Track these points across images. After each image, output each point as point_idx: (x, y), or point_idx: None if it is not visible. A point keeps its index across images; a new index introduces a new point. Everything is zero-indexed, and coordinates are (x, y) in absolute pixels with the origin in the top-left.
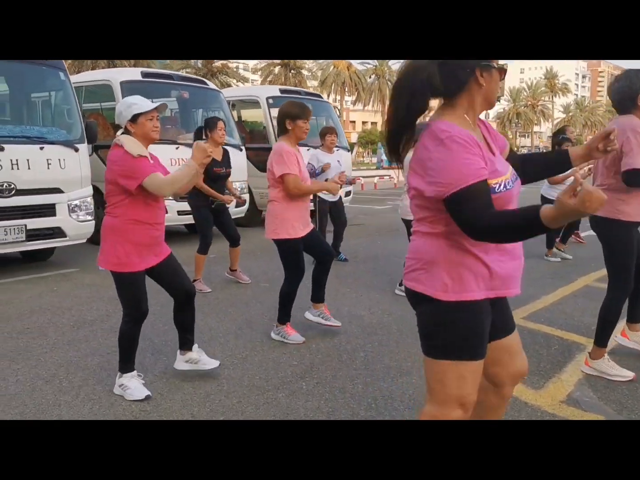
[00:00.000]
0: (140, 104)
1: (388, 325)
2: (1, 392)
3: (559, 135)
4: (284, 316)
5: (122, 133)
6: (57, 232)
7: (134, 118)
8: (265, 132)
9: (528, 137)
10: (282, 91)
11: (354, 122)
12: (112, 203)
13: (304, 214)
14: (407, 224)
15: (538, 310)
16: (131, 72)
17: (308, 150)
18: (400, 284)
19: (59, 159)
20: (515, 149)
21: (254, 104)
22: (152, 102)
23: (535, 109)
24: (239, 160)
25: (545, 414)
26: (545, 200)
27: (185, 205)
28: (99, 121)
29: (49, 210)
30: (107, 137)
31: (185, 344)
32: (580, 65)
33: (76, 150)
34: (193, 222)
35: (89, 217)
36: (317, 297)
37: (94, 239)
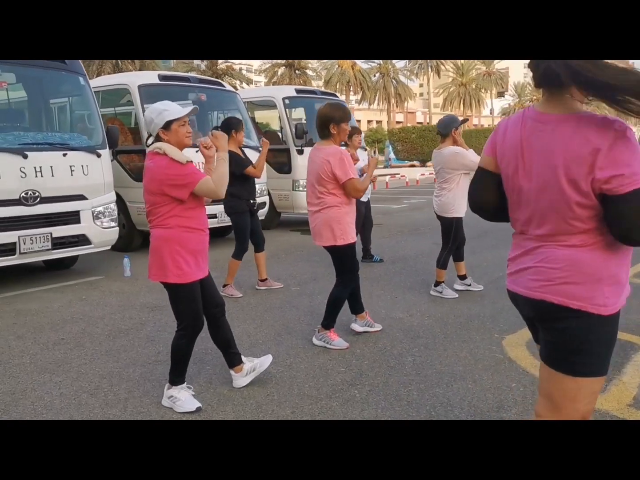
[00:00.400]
0: (172, 109)
1: (430, 328)
2: (47, 407)
3: None
4: (330, 322)
5: (154, 141)
6: (82, 240)
7: (167, 125)
8: (280, 134)
9: None
10: (298, 91)
11: (359, 121)
12: (161, 214)
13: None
14: (443, 221)
15: None
16: (149, 76)
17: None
18: (436, 285)
19: (82, 165)
20: None
21: (268, 105)
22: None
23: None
24: None
25: (615, 418)
26: None
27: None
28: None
29: (73, 217)
30: (124, 143)
31: (235, 360)
32: None
33: (98, 156)
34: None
35: (113, 224)
36: (357, 307)
37: (117, 246)
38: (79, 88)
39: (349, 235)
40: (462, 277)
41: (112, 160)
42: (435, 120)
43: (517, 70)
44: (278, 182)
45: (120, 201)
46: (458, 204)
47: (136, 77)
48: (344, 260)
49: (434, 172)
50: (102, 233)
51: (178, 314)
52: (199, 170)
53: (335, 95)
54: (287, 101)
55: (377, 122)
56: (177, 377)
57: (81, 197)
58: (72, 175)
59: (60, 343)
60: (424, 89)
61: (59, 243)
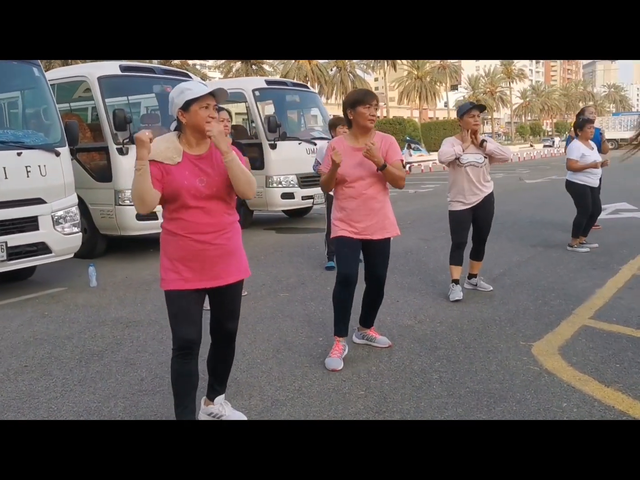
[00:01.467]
0: (194, 89)
1: (447, 337)
2: None
3: (580, 117)
4: (337, 328)
5: (176, 127)
6: (41, 248)
7: (186, 105)
8: (248, 127)
9: (488, 123)
10: (268, 82)
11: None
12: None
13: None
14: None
15: (602, 307)
16: (109, 67)
17: (300, 144)
18: (469, 277)
19: (39, 165)
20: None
21: (237, 97)
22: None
23: (494, 96)
24: None
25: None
26: (571, 184)
27: None
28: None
29: (30, 223)
30: (83, 140)
31: (211, 393)
32: None
33: (57, 154)
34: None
35: (76, 229)
36: (366, 318)
37: (79, 253)
38: (33, 80)
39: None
40: (471, 276)
41: (71, 159)
42: (392, 114)
43: (470, 64)
44: None
45: (81, 204)
46: (451, 199)
47: (96, 68)
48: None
49: None
50: (64, 240)
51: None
52: (156, 173)
53: (307, 87)
54: (257, 93)
55: (335, 116)
56: (176, 407)
57: (39, 201)
58: (28, 176)
59: (23, 372)
60: (379, 83)
61: (15, 253)
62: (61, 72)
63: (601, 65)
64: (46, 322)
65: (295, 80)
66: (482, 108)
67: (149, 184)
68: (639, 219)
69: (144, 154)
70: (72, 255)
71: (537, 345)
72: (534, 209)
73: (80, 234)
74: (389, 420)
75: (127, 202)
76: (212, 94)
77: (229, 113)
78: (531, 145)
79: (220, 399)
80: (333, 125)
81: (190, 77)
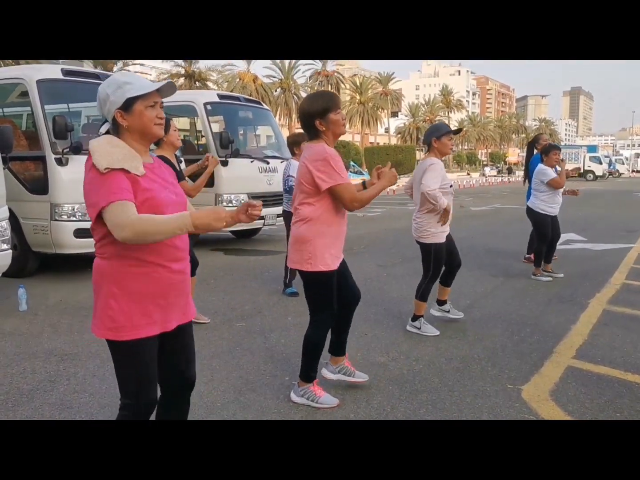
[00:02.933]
0: (136, 83)
1: (426, 378)
2: None
3: (538, 143)
4: (309, 371)
5: (107, 131)
6: None
7: (127, 105)
8: (197, 143)
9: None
10: (220, 97)
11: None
12: (99, 238)
13: (342, 239)
14: (421, 246)
15: (583, 345)
16: (50, 70)
17: (252, 162)
18: (413, 320)
19: None
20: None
21: (186, 111)
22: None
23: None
24: None
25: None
26: (532, 213)
27: None
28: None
29: None
30: (17, 148)
31: None
32: (471, 82)
33: None
34: None
35: (5, 246)
36: (337, 347)
37: (7, 272)
38: None
39: (320, 260)
40: (441, 303)
41: (3, 168)
42: None
43: (409, 91)
44: (198, 197)
45: (11, 217)
46: (432, 228)
47: (34, 70)
48: (311, 291)
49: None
50: None
51: (120, 382)
52: (124, 188)
53: (260, 104)
54: (209, 107)
55: (294, 132)
56: None
57: None
58: None
59: None
60: None
61: None
62: None
63: (532, 99)
64: None
65: (248, 96)
66: (459, 132)
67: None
68: (591, 250)
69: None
70: (0, 275)
71: (526, 389)
72: (486, 237)
73: (10, 251)
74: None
75: (64, 217)
76: (157, 90)
77: None
78: (468, 174)
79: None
80: (295, 142)
81: None
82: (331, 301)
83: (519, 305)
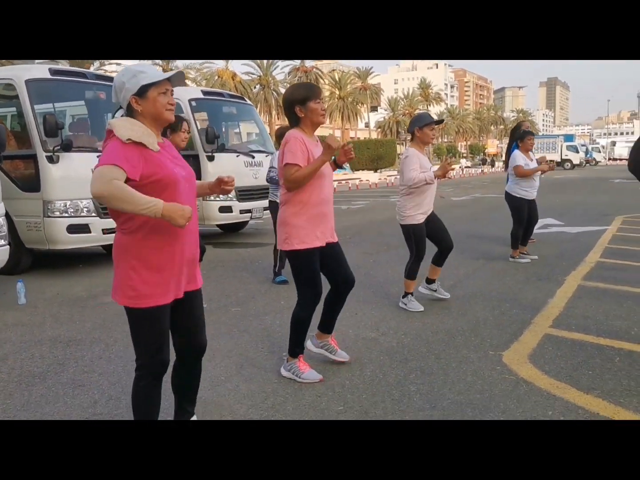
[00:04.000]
0: (150, 72)
1: (415, 348)
2: None
3: (518, 131)
4: (295, 347)
5: (123, 114)
6: None
7: (142, 91)
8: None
9: (405, 144)
10: (205, 93)
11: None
12: (120, 214)
13: (324, 221)
14: (402, 228)
15: (559, 316)
16: (38, 70)
17: (238, 156)
18: (404, 296)
19: None
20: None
21: None
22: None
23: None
24: None
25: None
26: (510, 196)
27: None
28: None
29: None
30: (7, 147)
31: (182, 416)
32: (449, 75)
33: None
34: None
35: (3, 242)
36: (326, 325)
37: (3, 269)
38: None
39: (295, 239)
40: (430, 281)
41: None
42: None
43: (388, 85)
44: None
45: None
46: (411, 211)
47: (23, 70)
48: (294, 270)
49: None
50: None
51: (135, 344)
52: (129, 160)
53: (243, 99)
54: (193, 103)
55: (282, 125)
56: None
57: None
58: None
59: None
60: None
61: None
62: None
63: (510, 91)
64: None
65: (231, 92)
66: (441, 122)
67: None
68: (568, 233)
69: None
70: None
71: (507, 354)
72: (468, 224)
73: (8, 247)
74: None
75: (57, 213)
76: (168, 79)
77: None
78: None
79: (192, 420)
80: (283, 134)
81: None
82: (314, 281)
83: (499, 284)
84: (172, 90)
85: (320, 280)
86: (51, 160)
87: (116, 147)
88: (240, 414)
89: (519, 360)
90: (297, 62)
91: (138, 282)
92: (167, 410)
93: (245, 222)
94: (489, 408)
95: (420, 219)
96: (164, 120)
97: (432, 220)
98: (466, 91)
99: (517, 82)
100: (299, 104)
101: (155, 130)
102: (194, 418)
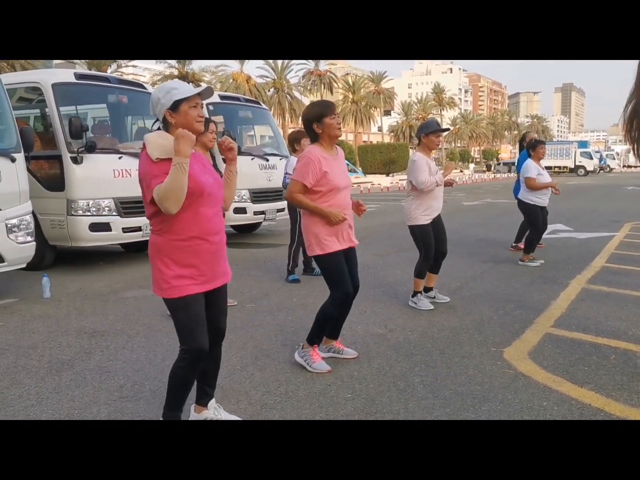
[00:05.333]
0: (181, 88)
1: (420, 344)
2: None
3: (528, 141)
4: (315, 338)
5: (159, 128)
6: None
7: (175, 105)
8: None
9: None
10: (221, 97)
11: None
12: (150, 215)
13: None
14: (409, 229)
15: (561, 317)
16: (64, 74)
17: (252, 159)
18: (413, 295)
19: None
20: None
21: None
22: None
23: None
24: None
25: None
26: (523, 204)
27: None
28: None
29: None
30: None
31: (203, 399)
32: (463, 80)
33: (13, 160)
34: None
35: (30, 238)
36: (331, 331)
37: (28, 264)
38: None
39: (318, 247)
40: (427, 290)
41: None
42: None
43: (401, 90)
44: None
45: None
46: (415, 212)
47: (50, 74)
48: (323, 273)
49: None
50: (18, 249)
51: (178, 332)
52: (164, 174)
53: (259, 103)
54: (211, 107)
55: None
56: (171, 410)
57: None
58: None
59: None
60: None
61: None
62: (10, 77)
63: (524, 96)
64: (3, 332)
65: (247, 97)
66: (447, 131)
67: (187, 180)
68: (576, 239)
69: (188, 150)
70: (24, 265)
71: (508, 351)
72: (477, 229)
73: (34, 243)
74: (381, 420)
75: (80, 212)
76: (199, 94)
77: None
78: (461, 171)
79: (212, 403)
80: (296, 139)
81: (144, 87)
82: (341, 281)
83: (505, 286)
84: (202, 104)
85: (348, 280)
86: (75, 161)
87: (153, 168)
88: (255, 399)
89: (519, 356)
90: (312, 66)
91: (170, 276)
92: (153, 418)
93: (259, 223)
94: (488, 398)
95: (425, 220)
96: (194, 131)
97: (436, 224)
98: (480, 96)
99: (532, 87)
100: (315, 121)
101: None
102: (213, 401)
